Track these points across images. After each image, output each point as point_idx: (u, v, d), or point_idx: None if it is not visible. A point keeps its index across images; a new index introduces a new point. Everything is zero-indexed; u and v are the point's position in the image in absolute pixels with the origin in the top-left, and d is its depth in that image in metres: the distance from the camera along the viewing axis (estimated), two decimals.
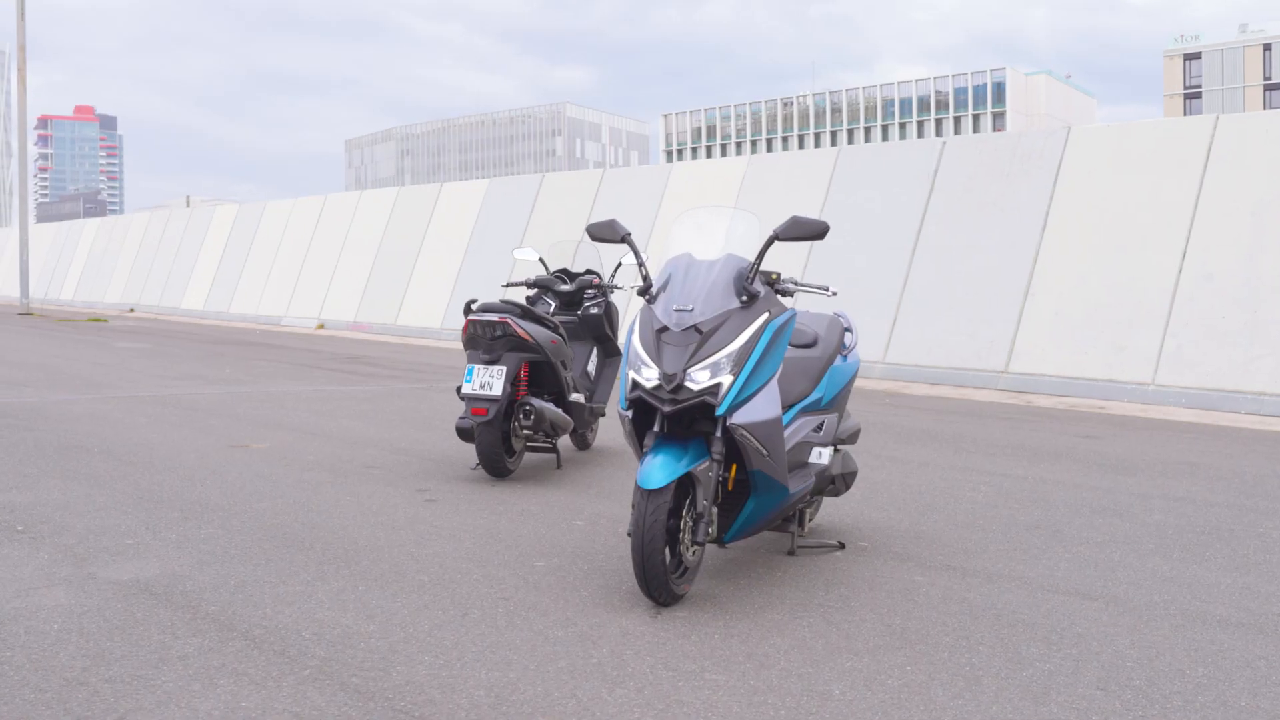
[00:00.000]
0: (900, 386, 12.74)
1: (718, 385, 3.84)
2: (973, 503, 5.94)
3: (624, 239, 4.36)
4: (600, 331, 7.31)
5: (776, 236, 4.13)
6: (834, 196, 15.15)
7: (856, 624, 3.75)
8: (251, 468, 6.42)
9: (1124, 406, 11.10)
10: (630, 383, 3.95)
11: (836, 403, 4.83)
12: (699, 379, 3.84)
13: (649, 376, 3.89)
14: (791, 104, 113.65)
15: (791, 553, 4.72)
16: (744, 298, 4.00)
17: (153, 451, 6.88)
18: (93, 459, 6.55)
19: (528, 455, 7.19)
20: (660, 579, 3.78)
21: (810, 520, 5.16)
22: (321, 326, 23.52)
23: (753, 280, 4.05)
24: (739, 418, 3.89)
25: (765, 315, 4.04)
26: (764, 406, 3.96)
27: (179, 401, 9.67)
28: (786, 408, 4.51)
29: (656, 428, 3.96)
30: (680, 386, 3.84)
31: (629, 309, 16.16)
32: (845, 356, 4.99)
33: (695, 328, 3.89)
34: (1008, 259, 13.15)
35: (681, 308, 3.95)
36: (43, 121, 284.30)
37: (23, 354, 14.81)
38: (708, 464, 3.90)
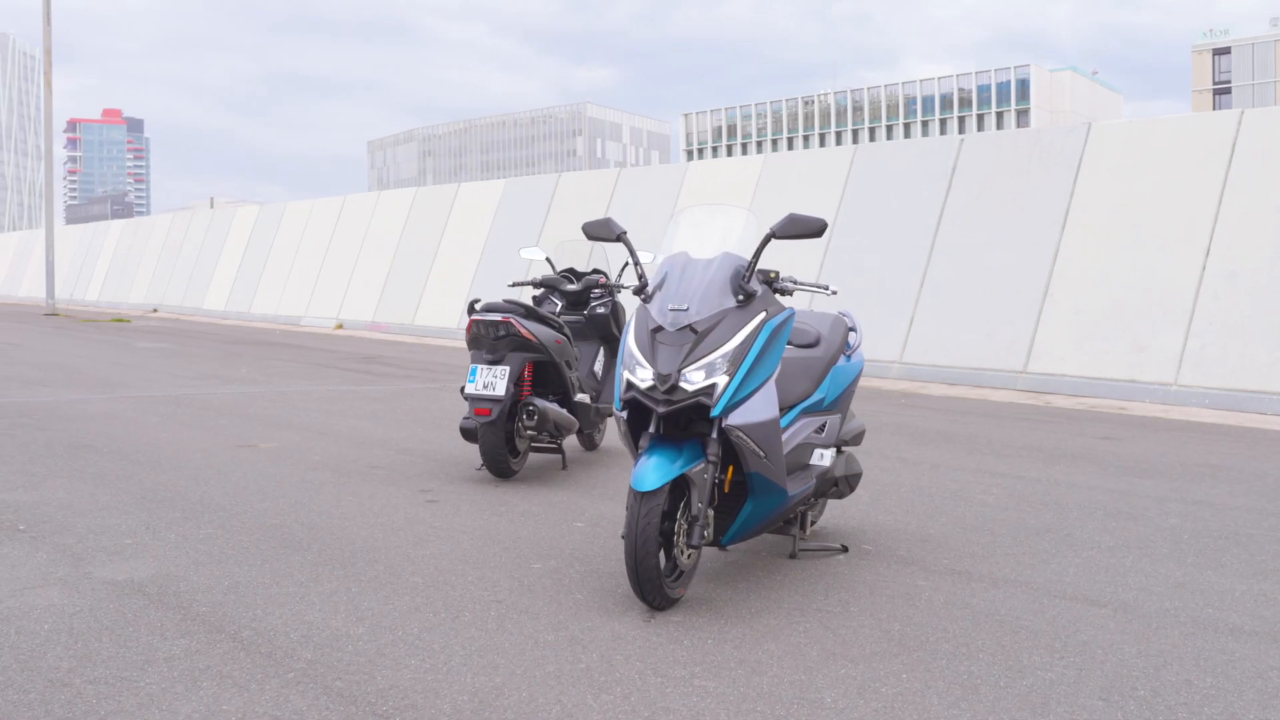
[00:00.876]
0: (917, 387, 12.63)
1: (713, 386, 3.78)
2: (983, 505, 5.85)
3: (619, 238, 4.30)
4: (607, 331, 7.25)
5: (773, 234, 4.06)
6: (850, 195, 15.04)
7: (854, 630, 3.68)
8: (256, 467, 6.39)
9: (1145, 407, 10.97)
10: (625, 383, 3.89)
11: (839, 403, 4.76)
12: (694, 379, 3.78)
13: (643, 377, 3.83)
14: (812, 102, 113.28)
15: (793, 556, 4.65)
16: (740, 297, 3.94)
17: (160, 451, 6.87)
18: (100, 458, 6.55)
19: (533, 456, 7.14)
20: (654, 582, 3.71)
21: (813, 523, 5.09)
22: (340, 326, 23.57)
23: (749, 279, 3.98)
24: (735, 419, 3.82)
25: (762, 314, 3.97)
26: (761, 407, 3.90)
27: (192, 401, 9.67)
28: (787, 409, 4.44)
29: (652, 429, 3.90)
30: (675, 387, 3.78)
31: None
32: (849, 356, 4.92)
33: (690, 327, 3.83)
34: (1027, 257, 13.03)
35: (676, 307, 3.88)
36: (71, 125, 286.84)
37: (45, 354, 14.88)
38: (703, 466, 3.83)
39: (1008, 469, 7.01)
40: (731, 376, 3.80)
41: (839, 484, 4.82)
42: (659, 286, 4.02)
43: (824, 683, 3.17)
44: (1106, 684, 3.23)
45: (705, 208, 4.30)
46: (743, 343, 3.86)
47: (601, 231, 4.35)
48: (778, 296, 4.31)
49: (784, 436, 4.36)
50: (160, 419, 8.40)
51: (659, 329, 3.88)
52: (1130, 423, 9.74)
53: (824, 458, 4.55)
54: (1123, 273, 12.22)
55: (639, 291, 4.09)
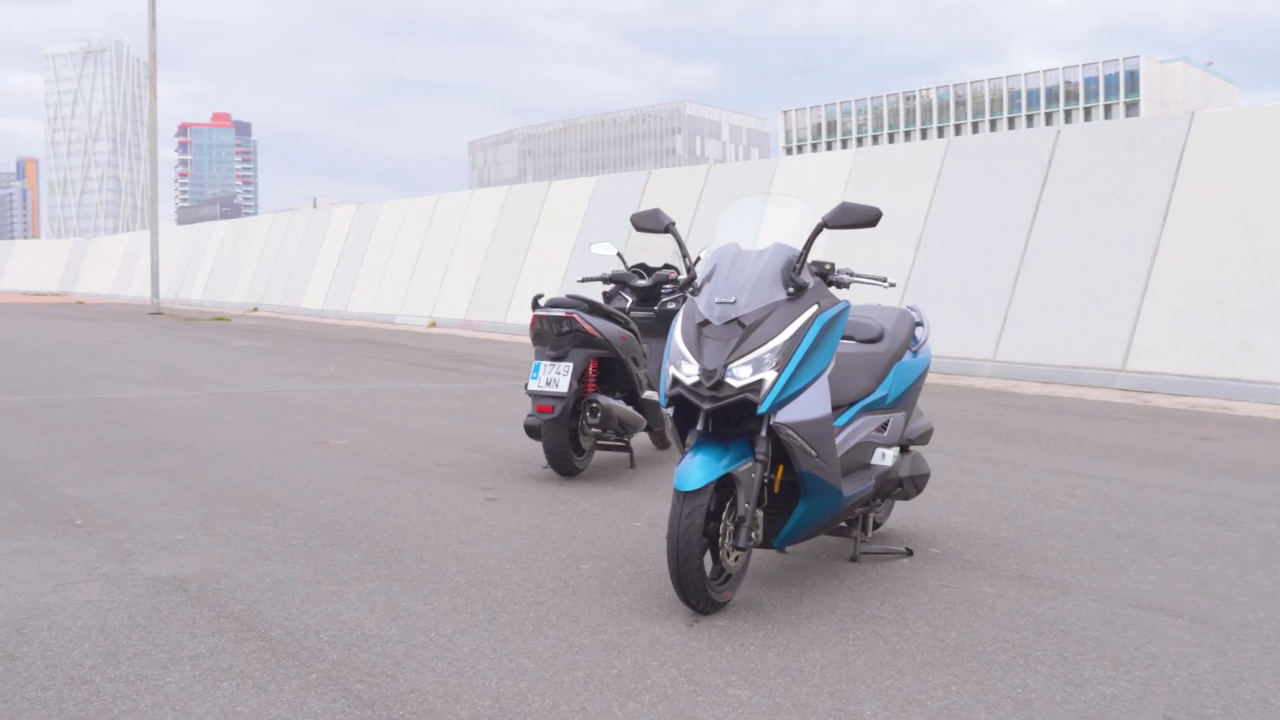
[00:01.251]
0: (1010, 385, 12.26)
1: (760, 382, 3.62)
2: (1064, 508, 5.59)
3: (667, 229, 4.17)
4: None
5: (825, 224, 3.89)
6: (943, 189, 14.68)
7: (907, 638, 3.49)
8: (324, 464, 6.40)
9: (1250, 407, 10.47)
10: (670, 379, 3.76)
11: (903, 401, 4.56)
12: (740, 375, 3.63)
13: (689, 372, 3.69)
14: (913, 98, 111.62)
15: (854, 559, 4.47)
16: (791, 289, 3.78)
17: (232, 448, 6.92)
18: (172, 454, 6.61)
19: (603, 454, 7.03)
20: (697, 585, 3.57)
21: (878, 525, 4.90)
22: (433, 325, 23.80)
23: (800, 270, 3.82)
24: (784, 416, 3.66)
25: (814, 308, 3.81)
26: (812, 404, 3.73)
27: (275, 398, 9.78)
28: (847, 406, 4.27)
29: (700, 426, 3.75)
30: (721, 383, 3.63)
31: None
32: (915, 352, 4.72)
33: (738, 321, 3.68)
34: (1126, 251, 12.56)
35: (724, 300, 3.74)
36: (182, 129, 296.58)
37: (143, 351, 15.24)
38: (750, 464, 3.68)
39: (1095, 470, 6.71)
40: (780, 372, 3.65)
41: (904, 484, 4.62)
42: (708, 279, 3.89)
43: (866, 694, 3.00)
44: (1173, 700, 3.00)
45: (758, 198, 4.15)
46: (793, 336, 3.70)
47: (649, 223, 4.22)
48: (833, 290, 4.13)
49: (843, 435, 4.19)
50: (239, 416, 8.49)
51: (705, 323, 3.74)
52: (1233, 423, 9.30)
53: (886, 457, 4.36)
54: (1227, 267, 11.70)
55: (687, 284, 3.96)
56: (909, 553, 4.58)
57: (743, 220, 4.06)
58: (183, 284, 38.92)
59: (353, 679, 3.01)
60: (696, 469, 3.57)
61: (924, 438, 4.78)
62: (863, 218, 3.85)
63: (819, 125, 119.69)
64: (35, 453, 6.59)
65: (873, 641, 3.45)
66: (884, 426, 4.42)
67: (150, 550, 4.36)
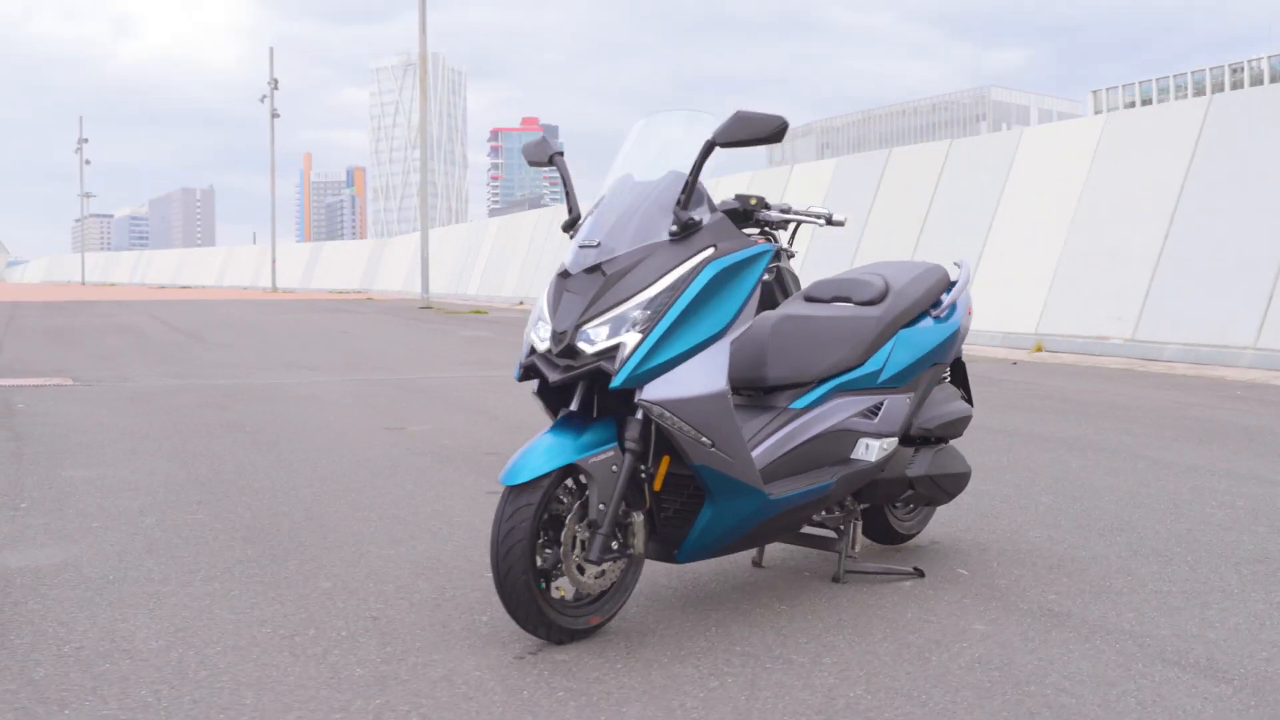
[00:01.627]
0: (1270, 377, 10.43)
1: (618, 346, 2.80)
2: (1199, 520, 4.37)
3: (551, 160, 3.37)
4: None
5: (715, 142, 2.98)
6: (1202, 153, 12.82)
7: (790, 690, 2.57)
8: (369, 450, 5.94)
9: None
10: (527, 344, 2.99)
11: (910, 378, 3.57)
12: (595, 338, 2.81)
13: (543, 335, 2.91)
14: (1241, 69, 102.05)
15: (836, 579, 3.52)
16: (674, 228, 2.92)
17: (298, 432, 6.58)
18: (228, 437, 6.33)
19: None
20: (528, 607, 2.77)
21: (911, 536, 3.94)
22: None
23: (687, 203, 2.95)
24: (653, 392, 2.81)
25: (708, 251, 2.93)
26: (697, 378, 2.86)
27: (415, 385, 9.51)
28: (817, 382, 3.36)
29: (575, 405, 2.95)
30: (572, 348, 2.83)
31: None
32: (939, 317, 3.70)
33: (600, 269, 2.87)
34: None
35: (586, 243, 2.93)
36: (494, 134, 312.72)
37: (360, 340, 15.52)
38: (609, 454, 2.84)
39: None
40: (646, 334, 2.80)
41: (917, 486, 3.61)
42: (588, 218, 3.09)
43: None
44: None
45: (662, 115, 3.30)
46: (669, 288, 2.85)
47: (535, 154, 3.42)
48: (756, 232, 3.24)
49: (803, 420, 3.28)
50: (354, 401, 8.22)
51: (567, 273, 2.94)
52: None
53: (871, 450, 3.40)
54: None
55: (568, 227, 3.18)
56: (919, 574, 3.58)
57: (644, 146, 3.22)
58: (460, 279, 40.37)
59: (36, 700, 2.44)
60: (537, 457, 2.78)
61: (951, 427, 3.75)
62: (761, 129, 2.92)
63: (1131, 104, 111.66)
64: (102, 433, 6.47)
65: (736, 694, 2.55)
66: (875, 410, 3.46)
67: (40, 537, 3.97)
